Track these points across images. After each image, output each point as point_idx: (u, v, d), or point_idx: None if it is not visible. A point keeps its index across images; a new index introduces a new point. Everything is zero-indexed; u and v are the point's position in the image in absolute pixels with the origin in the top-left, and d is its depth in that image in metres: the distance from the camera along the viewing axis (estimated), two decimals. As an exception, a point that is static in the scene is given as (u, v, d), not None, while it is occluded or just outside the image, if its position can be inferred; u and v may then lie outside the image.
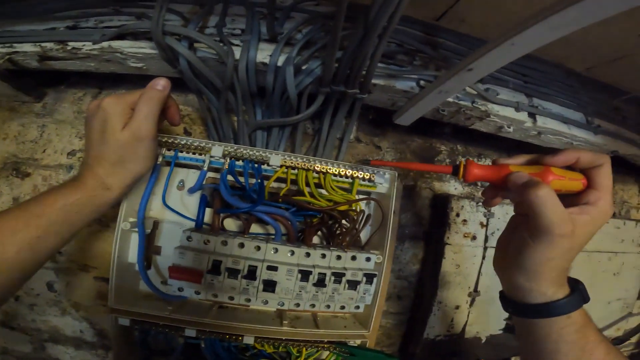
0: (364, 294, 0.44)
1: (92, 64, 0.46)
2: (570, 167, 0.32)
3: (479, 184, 0.61)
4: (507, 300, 0.34)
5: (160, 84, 0.35)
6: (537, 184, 0.28)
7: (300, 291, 0.41)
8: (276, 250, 0.40)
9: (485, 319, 0.59)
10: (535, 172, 0.31)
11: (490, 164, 0.36)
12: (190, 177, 0.44)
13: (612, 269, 0.65)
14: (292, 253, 0.41)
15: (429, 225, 0.58)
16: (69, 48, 0.43)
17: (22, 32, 0.46)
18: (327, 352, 0.46)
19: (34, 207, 0.31)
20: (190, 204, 0.45)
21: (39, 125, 0.52)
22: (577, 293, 0.31)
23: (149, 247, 0.43)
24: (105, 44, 0.43)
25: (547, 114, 0.53)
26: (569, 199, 0.31)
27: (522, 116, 0.51)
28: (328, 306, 0.43)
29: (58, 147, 0.51)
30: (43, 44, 0.44)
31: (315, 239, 0.48)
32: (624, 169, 0.68)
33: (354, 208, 0.46)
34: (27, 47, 0.44)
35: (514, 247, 0.32)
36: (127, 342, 0.45)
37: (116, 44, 0.43)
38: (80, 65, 0.46)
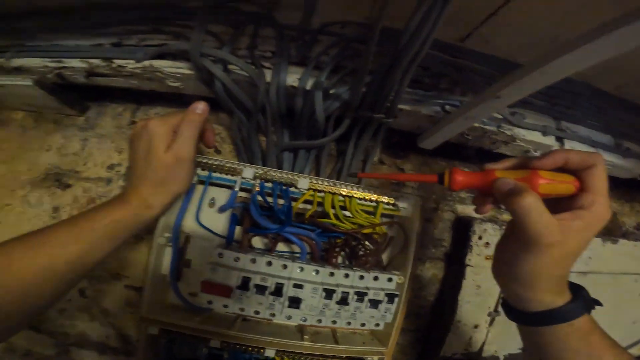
0: (385, 312, 0.44)
1: (135, 82, 0.49)
2: (562, 170, 0.29)
3: (502, 206, 0.60)
4: (509, 307, 0.33)
5: (200, 108, 0.37)
6: (521, 192, 0.26)
7: (323, 308, 0.42)
8: (302, 269, 0.41)
9: (504, 338, 0.58)
10: (522, 177, 0.29)
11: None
12: (220, 195, 0.46)
13: (637, 290, 0.64)
14: (317, 272, 0.42)
15: (451, 246, 0.58)
16: (114, 65, 0.46)
17: (69, 47, 0.49)
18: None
19: (84, 222, 0.33)
20: (219, 221, 0.47)
21: (81, 139, 0.56)
22: (579, 300, 0.29)
23: (180, 260, 0.45)
24: (147, 62, 0.45)
25: (574, 137, 0.52)
26: (563, 203, 0.29)
27: (549, 140, 0.50)
28: (349, 323, 0.44)
29: (98, 160, 0.55)
30: (90, 61, 0.47)
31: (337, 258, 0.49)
32: None
33: (377, 231, 0.46)
34: (76, 63, 0.47)
35: (508, 255, 0.30)
36: (153, 351, 0.48)
37: (157, 63, 0.45)
38: (124, 82, 0.49)
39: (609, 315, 0.60)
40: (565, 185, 0.29)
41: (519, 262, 0.28)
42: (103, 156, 0.55)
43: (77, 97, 0.55)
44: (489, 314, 0.57)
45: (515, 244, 0.29)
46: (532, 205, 0.25)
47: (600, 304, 0.31)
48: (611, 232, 0.68)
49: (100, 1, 0.52)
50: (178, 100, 0.56)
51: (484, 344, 0.58)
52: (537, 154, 0.51)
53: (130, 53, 0.46)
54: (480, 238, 0.55)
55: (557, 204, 0.29)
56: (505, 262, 0.31)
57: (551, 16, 0.47)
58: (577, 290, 0.30)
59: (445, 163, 0.60)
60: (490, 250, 0.55)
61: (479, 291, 0.56)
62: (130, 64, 0.45)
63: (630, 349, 0.66)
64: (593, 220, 0.28)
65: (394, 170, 0.59)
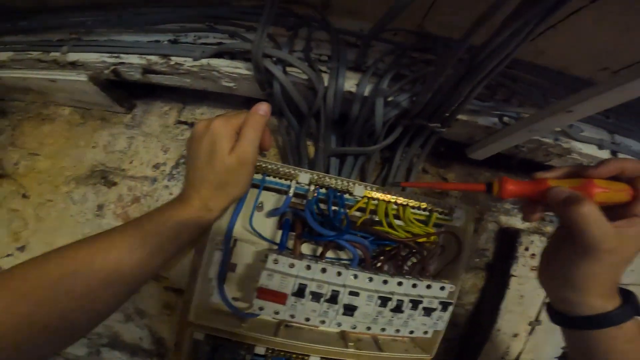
0: (438, 320, 0.44)
1: (188, 80, 0.49)
2: (615, 178, 0.30)
3: (546, 218, 0.59)
4: (555, 312, 0.33)
5: (263, 109, 0.36)
6: (578, 200, 0.26)
7: (377, 316, 0.41)
8: (356, 276, 0.41)
9: (542, 348, 0.58)
10: (576, 186, 0.29)
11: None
12: (268, 199, 0.46)
13: None
14: (371, 279, 0.41)
15: (494, 256, 0.58)
16: (172, 63, 0.46)
17: (128, 43, 0.49)
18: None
19: (149, 225, 0.33)
20: (266, 226, 0.47)
21: (127, 137, 0.56)
22: (630, 304, 0.29)
23: (228, 265, 0.44)
24: (204, 61, 0.45)
25: (628, 151, 0.51)
26: (616, 210, 0.29)
27: (605, 154, 0.49)
28: (398, 330, 0.44)
29: (144, 159, 0.55)
30: (149, 57, 0.46)
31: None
32: None
33: (430, 239, 0.46)
34: (134, 59, 0.47)
35: (560, 261, 0.31)
36: (192, 356, 0.47)
37: (214, 62, 0.45)
38: (178, 80, 0.49)
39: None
40: (620, 193, 0.29)
41: (573, 268, 0.29)
42: (149, 155, 0.55)
43: (125, 94, 0.55)
44: (530, 324, 0.57)
45: (570, 250, 0.29)
46: (591, 213, 0.26)
47: None
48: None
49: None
50: (224, 100, 0.56)
51: (521, 352, 0.57)
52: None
53: (188, 51, 0.46)
54: (526, 249, 0.54)
55: (610, 212, 0.29)
56: (558, 268, 0.31)
57: (610, 30, 0.46)
58: (626, 295, 0.30)
59: (490, 174, 0.59)
60: (536, 262, 0.55)
61: (522, 301, 0.55)
62: (187, 62, 0.45)
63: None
64: None
65: (437, 180, 0.58)
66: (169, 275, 0.54)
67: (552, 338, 0.58)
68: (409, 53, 0.49)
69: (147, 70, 0.47)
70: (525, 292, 0.54)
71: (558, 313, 0.32)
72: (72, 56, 0.49)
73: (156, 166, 0.54)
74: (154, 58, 0.46)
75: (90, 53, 0.48)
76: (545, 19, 0.27)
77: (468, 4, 0.45)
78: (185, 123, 0.57)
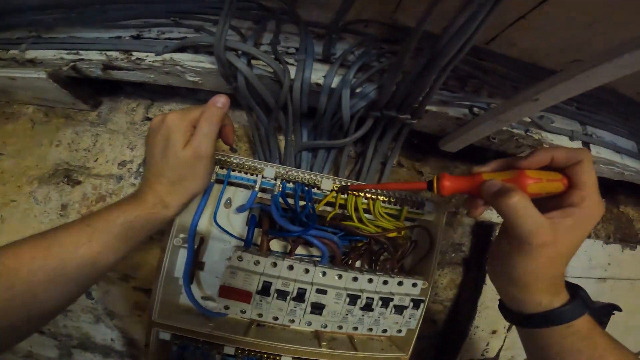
0: (410, 318, 0.43)
1: (152, 76, 0.47)
2: (549, 167, 0.29)
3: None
4: (505, 309, 0.32)
5: (221, 102, 0.35)
6: (507, 191, 0.25)
7: (346, 314, 0.40)
8: (324, 273, 0.40)
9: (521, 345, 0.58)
10: (509, 178, 0.28)
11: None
12: (237, 195, 0.45)
13: None
14: (340, 277, 0.40)
15: (470, 251, 0.57)
16: (133, 58, 0.44)
17: (88, 40, 0.47)
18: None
19: (97, 222, 0.31)
20: (235, 222, 0.45)
21: (92, 134, 0.54)
22: (578, 300, 0.28)
23: (194, 263, 0.43)
24: (167, 55, 0.44)
25: (600, 142, 0.51)
26: (554, 201, 0.28)
27: (576, 145, 0.49)
28: (370, 329, 0.43)
29: (110, 156, 0.53)
30: (109, 53, 0.45)
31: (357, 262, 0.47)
32: None
33: (401, 234, 0.45)
34: (93, 55, 0.45)
35: (501, 257, 0.30)
36: (163, 356, 0.46)
37: (177, 56, 0.44)
38: (141, 76, 0.47)
39: (625, 321, 0.59)
40: (554, 183, 0.28)
41: (512, 263, 0.28)
42: (115, 153, 0.53)
43: (91, 91, 0.54)
44: None
45: (508, 245, 0.28)
46: (520, 204, 0.25)
47: (619, 309, 0.30)
48: (628, 238, 0.66)
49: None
50: (193, 96, 0.54)
51: (500, 349, 0.57)
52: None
53: (150, 46, 0.44)
54: (501, 244, 0.54)
55: (547, 203, 0.28)
56: (499, 264, 0.30)
57: (579, 22, 0.46)
58: (575, 291, 0.29)
59: (465, 167, 0.59)
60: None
61: (499, 296, 0.54)
62: (149, 57, 0.44)
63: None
64: (584, 218, 0.27)
65: (412, 173, 0.57)
66: (139, 275, 0.52)
67: None
68: (379, 45, 0.48)
69: (107, 66, 0.46)
70: None
71: (508, 310, 0.31)
72: (31, 54, 0.47)
73: (122, 164, 0.53)
74: (114, 54, 0.44)
75: (48, 50, 0.47)
76: (497, 3, 0.27)
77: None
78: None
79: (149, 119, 0.55)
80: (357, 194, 0.42)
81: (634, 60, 0.28)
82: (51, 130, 0.55)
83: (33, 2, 0.51)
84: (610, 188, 0.66)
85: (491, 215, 0.58)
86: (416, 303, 0.42)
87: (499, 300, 0.33)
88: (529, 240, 0.25)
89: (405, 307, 0.41)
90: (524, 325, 0.30)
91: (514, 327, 0.56)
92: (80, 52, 0.46)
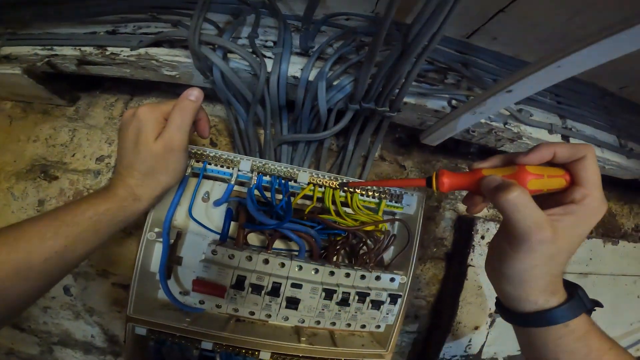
0: (387, 314, 0.43)
1: (128, 70, 0.47)
2: (551, 163, 0.28)
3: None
4: (502, 307, 0.31)
5: (194, 95, 0.35)
6: (507, 187, 0.25)
7: (322, 309, 0.40)
8: (300, 267, 0.40)
9: (504, 340, 0.58)
10: (509, 174, 0.27)
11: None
12: (216, 189, 0.44)
13: (636, 291, 0.64)
14: (317, 271, 0.40)
15: (452, 246, 0.57)
16: (107, 53, 0.44)
17: (62, 35, 0.47)
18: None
19: (64, 215, 0.31)
20: (213, 216, 0.45)
21: (70, 129, 0.53)
22: (575, 300, 0.28)
23: (171, 257, 0.42)
24: (142, 50, 0.43)
25: (580, 136, 0.51)
26: (555, 198, 0.28)
27: (556, 138, 0.49)
28: (349, 325, 0.43)
29: (87, 152, 0.52)
30: (83, 48, 0.44)
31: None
32: None
33: (379, 228, 0.45)
34: (67, 51, 0.45)
35: (499, 254, 0.29)
36: (141, 351, 0.45)
37: (152, 50, 0.43)
38: (117, 71, 0.47)
39: (607, 316, 0.59)
40: (555, 179, 0.27)
41: (509, 261, 0.27)
42: (92, 147, 0.52)
43: (68, 86, 0.53)
44: (490, 315, 0.56)
45: (506, 242, 0.27)
46: (519, 200, 0.24)
47: (600, 305, 0.29)
48: (610, 233, 0.67)
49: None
50: (174, 89, 0.54)
51: (483, 345, 0.57)
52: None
53: (125, 41, 0.44)
54: (482, 237, 0.54)
55: (548, 200, 0.28)
56: (497, 261, 0.29)
57: (559, 14, 0.46)
58: (573, 290, 0.29)
59: (447, 161, 0.59)
60: (494, 251, 0.54)
61: (481, 292, 0.54)
62: (124, 52, 0.43)
63: (628, 350, 0.65)
64: (586, 215, 0.26)
65: (394, 167, 0.57)
66: (117, 271, 0.52)
67: (513, 331, 0.57)
68: (360, 38, 0.48)
69: (82, 61, 0.45)
70: (483, 283, 0.54)
71: (506, 309, 0.31)
72: (6, 50, 0.47)
73: (100, 159, 0.52)
74: (88, 49, 0.44)
75: (23, 46, 0.46)
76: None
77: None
78: (133, 114, 0.54)
79: (128, 113, 0.54)
80: (355, 190, 0.42)
81: (602, 50, 0.28)
82: (29, 125, 0.54)
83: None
84: None
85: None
86: (393, 298, 0.41)
87: (496, 298, 0.32)
88: (528, 237, 0.25)
89: (383, 302, 0.41)
90: (520, 324, 0.30)
91: (496, 323, 0.56)
92: (55, 47, 0.45)
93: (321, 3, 0.50)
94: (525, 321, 0.29)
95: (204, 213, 0.45)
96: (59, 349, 0.55)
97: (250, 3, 0.50)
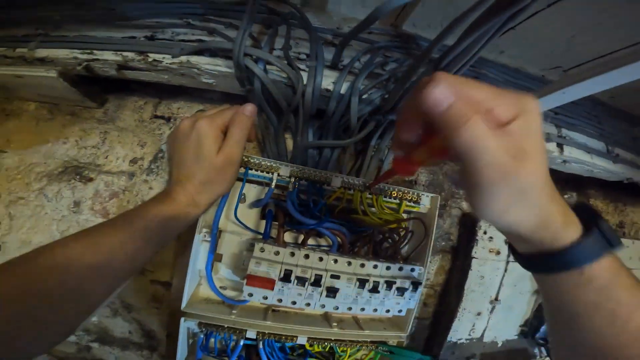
0: (410, 299, 0.48)
1: (165, 76, 0.49)
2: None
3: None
4: (510, 246, 0.27)
5: (249, 110, 0.37)
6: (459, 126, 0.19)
7: (356, 296, 0.45)
8: (336, 261, 0.44)
9: (503, 325, 0.65)
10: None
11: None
12: (250, 191, 0.48)
13: None
14: (350, 264, 0.45)
15: (458, 240, 0.63)
16: (149, 59, 0.46)
17: (100, 39, 0.48)
18: (368, 352, 0.51)
19: (138, 220, 0.33)
20: (249, 216, 0.49)
21: (101, 132, 0.55)
22: (592, 237, 0.22)
23: (215, 256, 0.46)
24: (184, 58, 0.46)
25: (573, 144, 0.58)
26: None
27: (551, 146, 0.56)
28: (375, 310, 0.48)
29: (120, 154, 0.54)
30: (124, 54, 0.46)
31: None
32: (636, 193, 0.73)
33: (401, 225, 0.50)
34: (108, 55, 0.46)
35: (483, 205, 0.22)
36: (191, 344, 0.49)
37: (194, 59, 0.46)
38: (155, 76, 0.49)
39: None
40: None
41: (488, 209, 0.22)
42: (125, 149, 0.54)
43: (99, 89, 0.54)
44: (491, 302, 0.63)
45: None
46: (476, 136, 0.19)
47: (617, 244, 0.22)
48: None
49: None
50: (201, 95, 0.56)
51: (485, 330, 0.64)
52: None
53: (167, 48, 0.46)
54: (485, 233, 0.60)
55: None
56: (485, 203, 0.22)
57: (565, 32, 0.51)
58: (591, 222, 0.23)
59: (453, 163, 0.64)
60: (494, 244, 0.61)
61: (483, 281, 0.61)
62: (166, 59, 0.45)
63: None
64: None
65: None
66: (154, 268, 0.55)
67: (511, 317, 0.65)
68: (383, 52, 0.52)
69: (122, 66, 0.47)
70: (485, 273, 0.61)
71: (511, 248, 0.26)
72: (41, 52, 0.47)
73: (133, 161, 0.54)
74: (130, 55, 0.45)
75: (60, 49, 0.47)
76: (505, 25, 0.31)
77: (435, 4, 0.48)
78: (162, 117, 0.56)
79: (157, 116, 0.56)
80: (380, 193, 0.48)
81: (604, 80, 0.34)
82: (57, 127, 0.55)
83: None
84: (581, 182, 0.72)
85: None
86: (415, 286, 0.47)
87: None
88: (489, 179, 0.20)
89: (406, 289, 0.47)
90: (527, 268, 0.25)
91: (495, 310, 0.63)
92: (95, 52, 0.46)
93: (334, 14, 0.54)
94: (528, 264, 0.24)
95: (241, 213, 0.48)
96: (96, 347, 0.57)
97: (280, 13, 0.53)
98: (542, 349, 0.67)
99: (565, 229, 0.22)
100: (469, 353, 0.65)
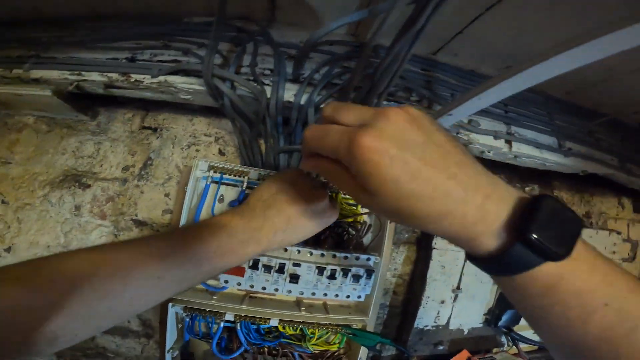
0: (365, 285, 0.55)
1: (148, 93, 0.55)
2: None
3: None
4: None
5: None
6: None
7: (316, 282, 0.52)
8: (299, 251, 0.51)
9: (467, 313, 0.70)
10: None
11: None
12: (228, 192, 0.55)
13: None
14: (311, 253, 0.52)
15: (420, 232, 0.70)
16: (132, 80, 0.52)
17: (87, 61, 0.54)
18: (335, 334, 0.58)
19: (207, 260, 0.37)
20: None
21: (95, 142, 0.62)
22: (517, 249, 0.20)
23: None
24: (162, 78, 0.52)
25: (522, 140, 0.63)
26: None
27: (500, 143, 0.61)
28: (337, 295, 0.55)
29: (114, 162, 0.61)
30: (109, 74, 0.52)
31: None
32: (603, 183, 0.76)
33: (359, 220, 0.56)
34: (95, 77, 0.53)
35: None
36: (178, 328, 0.57)
37: (171, 78, 0.52)
38: (139, 93, 0.55)
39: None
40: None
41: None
42: (117, 158, 0.61)
43: (90, 103, 0.61)
44: (453, 291, 0.68)
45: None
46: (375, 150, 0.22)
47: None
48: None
49: (105, 12, 0.57)
50: (184, 107, 0.62)
51: (450, 317, 0.68)
52: (491, 154, 0.62)
53: (146, 69, 0.52)
54: (444, 223, 0.66)
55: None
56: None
57: (506, 34, 0.56)
58: (524, 231, 0.20)
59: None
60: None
61: (444, 270, 0.67)
62: (146, 79, 0.52)
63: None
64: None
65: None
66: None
67: (474, 305, 0.69)
68: (342, 63, 0.57)
69: (108, 85, 0.53)
70: (445, 263, 0.66)
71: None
72: (36, 73, 0.54)
73: (126, 168, 0.61)
74: (114, 75, 0.52)
75: (52, 70, 0.53)
76: (414, 42, 0.37)
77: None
78: (149, 128, 0.63)
79: (145, 127, 0.63)
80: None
81: (525, 79, 0.38)
82: (55, 139, 0.62)
83: (21, 16, 0.56)
84: (547, 174, 0.76)
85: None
86: (369, 273, 0.54)
87: None
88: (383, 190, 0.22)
89: (361, 276, 0.53)
90: (481, 268, 0.23)
91: (458, 298, 0.67)
92: (83, 73, 0.53)
93: (308, 28, 0.59)
94: (472, 261, 0.23)
95: (219, 212, 0.55)
96: (99, 335, 0.64)
97: (247, 31, 0.58)
98: (508, 337, 0.70)
99: (487, 237, 0.21)
100: (436, 340, 0.69)
